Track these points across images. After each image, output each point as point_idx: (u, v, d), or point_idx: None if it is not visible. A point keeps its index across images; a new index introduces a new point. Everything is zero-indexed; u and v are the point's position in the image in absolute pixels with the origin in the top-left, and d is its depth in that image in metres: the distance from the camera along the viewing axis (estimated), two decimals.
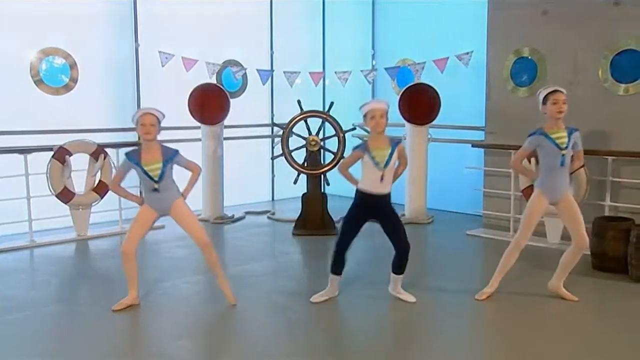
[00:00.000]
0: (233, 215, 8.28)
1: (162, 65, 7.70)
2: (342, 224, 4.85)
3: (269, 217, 8.41)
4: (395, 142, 4.65)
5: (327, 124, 7.58)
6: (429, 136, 8.10)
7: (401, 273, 4.83)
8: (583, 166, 6.17)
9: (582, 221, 4.72)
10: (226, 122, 8.27)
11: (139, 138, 5.29)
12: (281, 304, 4.88)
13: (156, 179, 4.52)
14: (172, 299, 5.01)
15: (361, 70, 8.36)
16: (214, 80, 8.31)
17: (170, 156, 4.61)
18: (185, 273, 5.76)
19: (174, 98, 8.08)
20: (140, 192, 5.07)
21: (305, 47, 9.94)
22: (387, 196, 4.70)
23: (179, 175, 4.79)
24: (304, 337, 4.31)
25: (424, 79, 7.93)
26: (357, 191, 4.73)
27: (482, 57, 7.54)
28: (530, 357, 3.90)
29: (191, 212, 4.75)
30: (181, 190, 4.75)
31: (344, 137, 7.42)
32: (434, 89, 7.85)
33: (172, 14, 8.29)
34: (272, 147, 9.40)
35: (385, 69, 8.32)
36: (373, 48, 9.62)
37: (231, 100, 8.25)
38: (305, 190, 7.49)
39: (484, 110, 7.59)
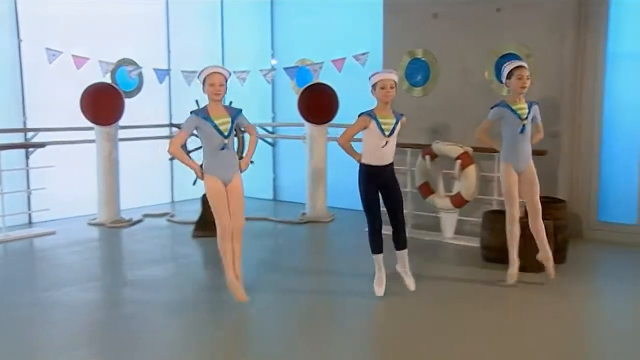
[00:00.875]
0: (131, 219, 8.00)
1: (50, 63, 7.31)
2: (363, 207, 4.83)
3: (168, 220, 8.20)
4: (399, 114, 4.78)
5: None
6: (328, 135, 8.21)
7: (403, 248, 4.89)
8: (472, 163, 6.50)
9: (537, 191, 5.11)
10: (122, 122, 7.99)
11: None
12: (181, 307, 4.78)
13: (226, 134, 4.43)
14: (65, 307, 4.77)
15: (260, 70, 8.34)
16: (107, 80, 8.00)
17: (236, 113, 4.56)
18: (79, 280, 5.50)
19: (65, 97, 7.70)
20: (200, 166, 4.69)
21: (204, 46, 9.77)
22: (391, 166, 4.80)
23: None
24: (205, 339, 4.24)
25: (322, 79, 8.04)
26: (362, 167, 4.78)
27: (378, 57, 7.75)
28: (426, 343, 4.06)
29: (243, 192, 4.61)
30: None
31: (243, 137, 7.38)
32: (332, 88, 7.98)
33: (61, 11, 7.89)
34: None
35: (285, 68, 8.35)
36: (272, 48, 9.62)
37: (127, 100, 7.98)
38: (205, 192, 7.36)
39: None
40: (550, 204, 5.99)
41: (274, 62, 9.39)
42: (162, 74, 8.29)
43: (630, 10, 6.53)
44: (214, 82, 4.44)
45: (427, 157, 6.88)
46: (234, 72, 8.41)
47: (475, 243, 6.26)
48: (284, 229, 7.70)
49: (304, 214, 8.19)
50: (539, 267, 5.36)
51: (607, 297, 5.14)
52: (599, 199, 6.79)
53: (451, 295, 5.04)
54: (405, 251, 4.94)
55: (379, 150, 4.70)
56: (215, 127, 4.42)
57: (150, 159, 9.08)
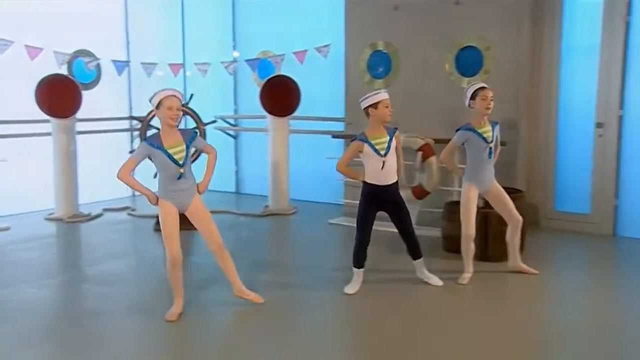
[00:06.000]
0: (90, 213, 7.87)
1: (0, 53, 7.10)
2: (358, 220, 4.84)
3: (129, 214, 8.09)
4: (392, 129, 4.75)
5: (187, 116, 7.42)
6: (290, 127, 8.20)
7: (419, 257, 4.99)
8: (433, 154, 6.58)
9: (511, 203, 5.14)
10: (80, 115, 7.83)
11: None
12: (144, 304, 4.71)
13: (181, 162, 4.19)
14: (20, 306, 4.65)
15: (222, 62, 8.27)
16: (64, 71, 7.82)
17: (190, 138, 4.27)
18: (36, 277, 5.37)
19: (18, 89, 7.51)
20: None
21: (164, 37, 9.64)
22: (394, 186, 4.79)
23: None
24: (163, 339, 4.20)
25: (284, 71, 8.01)
26: (365, 184, 4.77)
27: (340, 49, 7.76)
28: (400, 341, 4.10)
29: (208, 211, 4.44)
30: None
31: (204, 129, 7.31)
32: (294, 80, 7.96)
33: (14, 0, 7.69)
34: (132, 141, 9.03)
35: (246, 60, 8.30)
36: (234, 39, 9.54)
37: (84, 92, 7.82)
38: None
39: (343, 102, 7.82)
40: (508, 194, 6.09)
41: (236, 54, 9.30)
42: (121, 66, 8.16)
43: (582, 5, 6.68)
44: (172, 105, 4.13)
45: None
46: (195, 63, 8.35)
47: (436, 233, 6.34)
48: (246, 222, 7.66)
49: (266, 206, 8.17)
50: (499, 257, 5.48)
51: (561, 284, 5.27)
52: (555, 189, 6.96)
53: (412, 286, 5.08)
54: (421, 260, 5.03)
55: (378, 171, 4.70)
56: (169, 156, 4.16)
57: (110, 152, 8.93)
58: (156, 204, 4.28)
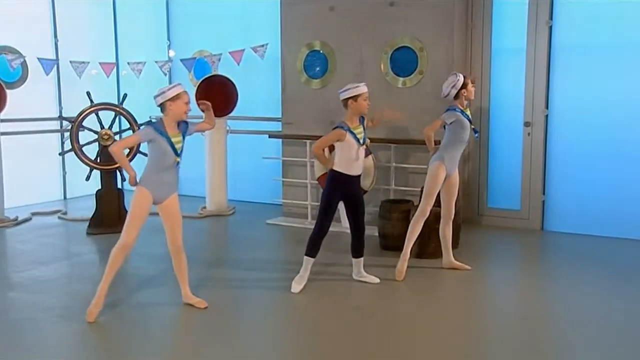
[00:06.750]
0: (17, 217, 7.54)
1: None
2: (321, 209, 4.85)
3: (60, 217, 7.81)
4: (362, 119, 4.88)
5: (121, 117, 7.23)
6: (227, 128, 8.13)
7: (361, 256, 5.08)
8: (370, 154, 6.66)
9: (456, 197, 5.31)
10: (4, 115, 7.49)
11: None
12: (76, 310, 4.55)
13: (179, 152, 4.36)
14: None
15: (156, 61, 8.11)
16: None
17: (184, 128, 4.43)
18: None
19: None
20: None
21: (95, 35, 9.35)
22: (359, 178, 4.93)
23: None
24: (103, 343, 4.08)
25: (221, 71, 7.93)
26: (334, 173, 4.79)
27: (277, 49, 7.74)
28: (341, 340, 4.12)
29: (181, 212, 4.54)
30: None
31: (139, 130, 7.14)
32: (231, 80, 7.88)
33: None
34: (62, 142, 8.72)
35: (182, 60, 8.16)
36: (169, 39, 9.36)
37: (9, 92, 7.49)
38: (99, 187, 7.08)
39: (280, 102, 7.81)
40: None
41: (172, 53, 9.14)
42: (49, 64, 7.87)
43: (510, 10, 6.92)
44: (187, 100, 4.35)
45: (326, 148, 6.96)
46: (129, 63, 8.14)
47: (373, 232, 6.42)
48: (184, 224, 7.52)
49: (204, 207, 8.06)
50: (435, 254, 5.60)
51: (494, 279, 5.45)
52: (488, 186, 7.18)
53: (353, 285, 5.13)
54: (361, 259, 5.11)
55: (352, 160, 4.79)
56: (171, 144, 4.30)
57: (39, 155, 8.60)
58: (134, 185, 4.33)
